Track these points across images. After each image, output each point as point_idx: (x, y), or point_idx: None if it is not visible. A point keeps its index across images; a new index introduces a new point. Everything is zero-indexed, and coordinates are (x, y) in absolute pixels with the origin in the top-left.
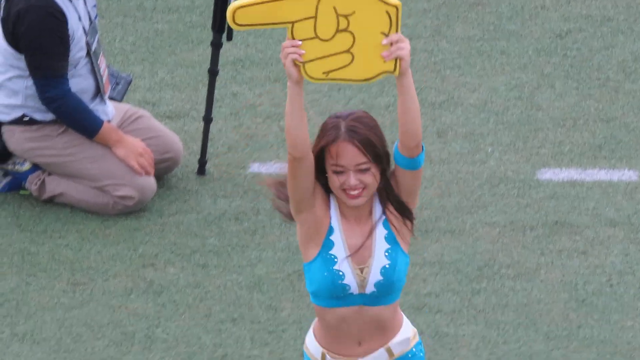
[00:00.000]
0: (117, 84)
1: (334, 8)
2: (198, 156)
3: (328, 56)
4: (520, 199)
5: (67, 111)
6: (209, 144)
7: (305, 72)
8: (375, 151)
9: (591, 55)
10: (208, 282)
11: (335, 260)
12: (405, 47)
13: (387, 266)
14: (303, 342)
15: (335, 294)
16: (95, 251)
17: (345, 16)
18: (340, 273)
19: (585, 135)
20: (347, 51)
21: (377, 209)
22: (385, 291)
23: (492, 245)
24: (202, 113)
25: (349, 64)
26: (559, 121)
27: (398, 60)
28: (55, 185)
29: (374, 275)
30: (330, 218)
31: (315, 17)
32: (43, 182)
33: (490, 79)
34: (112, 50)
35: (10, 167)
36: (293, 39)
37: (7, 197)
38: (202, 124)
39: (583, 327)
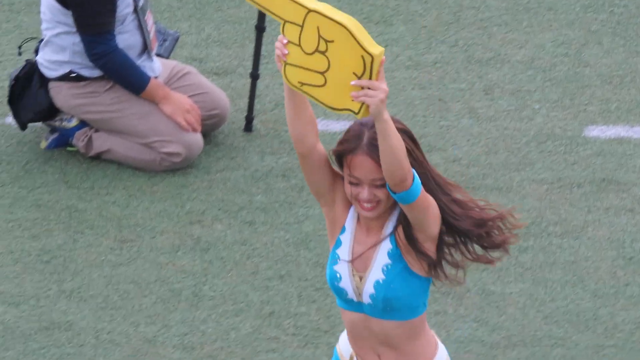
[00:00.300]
0: (165, 40)
1: (317, 28)
2: (245, 113)
3: (305, 69)
4: (568, 156)
5: (114, 67)
6: (256, 100)
7: (285, 73)
8: None
9: (639, 11)
10: (255, 239)
11: (338, 260)
12: (374, 96)
13: (380, 281)
14: None
15: (338, 294)
16: (142, 208)
17: (326, 40)
18: (338, 275)
19: (633, 92)
20: (322, 73)
21: (391, 222)
22: (382, 306)
23: (540, 202)
24: (249, 69)
25: (321, 85)
26: (606, 78)
27: (364, 105)
28: (102, 142)
29: (368, 287)
30: (346, 217)
31: (301, 27)
32: (90, 138)
33: (537, 35)
34: (159, 6)
35: (57, 123)
36: (284, 35)
37: (55, 154)
38: (249, 80)
39: (630, 284)
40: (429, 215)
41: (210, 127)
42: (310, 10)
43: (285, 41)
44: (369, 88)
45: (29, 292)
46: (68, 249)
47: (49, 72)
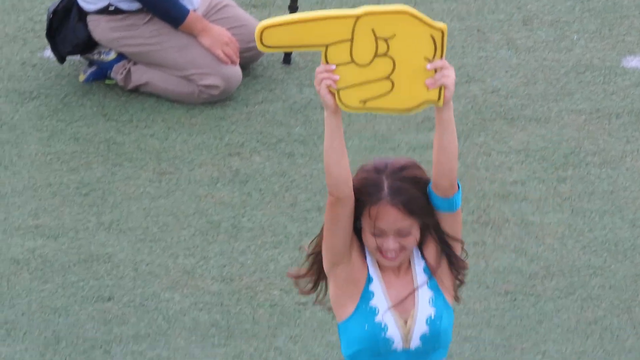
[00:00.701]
0: None
1: (373, 30)
2: None
3: (365, 83)
4: (606, 87)
5: (153, 0)
6: None
7: (340, 100)
8: (421, 211)
9: None
10: (294, 170)
11: (377, 311)
12: (450, 75)
13: (432, 316)
14: None
15: (377, 350)
16: (181, 140)
17: (385, 39)
18: (383, 325)
19: None
20: (387, 78)
21: (416, 254)
22: (432, 346)
23: (578, 132)
24: (288, 2)
25: (389, 92)
26: None
27: (442, 89)
28: (140, 75)
29: (419, 327)
30: (367, 267)
31: (351, 40)
32: (129, 71)
33: None
34: None
35: (95, 56)
36: (327, 63)
37: (93, 87)
38: (287, 12)
39: None
40: (460, 223)
41: (248, 60)
42: (359, 17)
43: (333, 67)
44: (442, 69)
45: (67, 224)
46: (107, 182)
47: (87, 5)
